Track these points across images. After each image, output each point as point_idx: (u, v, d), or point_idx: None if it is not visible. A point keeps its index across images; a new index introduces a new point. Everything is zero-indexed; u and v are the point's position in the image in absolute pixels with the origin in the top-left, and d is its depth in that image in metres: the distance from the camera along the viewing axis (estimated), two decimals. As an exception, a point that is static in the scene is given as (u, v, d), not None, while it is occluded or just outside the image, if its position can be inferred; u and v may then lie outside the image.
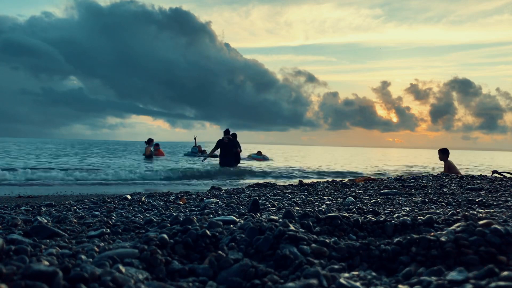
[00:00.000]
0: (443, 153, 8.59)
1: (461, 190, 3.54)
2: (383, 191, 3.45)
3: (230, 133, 12.22)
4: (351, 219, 1.57)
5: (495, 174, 6.86)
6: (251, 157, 19.73)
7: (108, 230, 1.70)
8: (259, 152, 20.54)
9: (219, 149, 12.47)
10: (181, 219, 1.69)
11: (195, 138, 20.48)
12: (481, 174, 5.50)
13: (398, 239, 1.29)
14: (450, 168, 8.44)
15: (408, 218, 1.58)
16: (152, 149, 18.33)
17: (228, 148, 12.12)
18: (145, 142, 18.58)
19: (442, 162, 8.71)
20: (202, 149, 21.30)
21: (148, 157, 18.35)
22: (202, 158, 15.85)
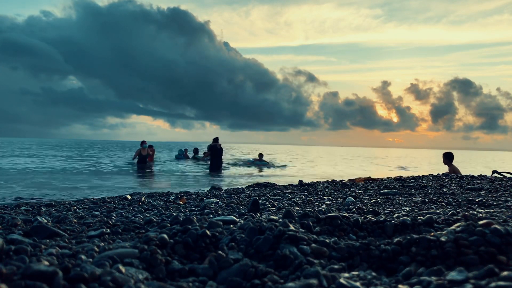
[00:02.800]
0: (447, 157, 8.42)
1: (461, 190, 3.54)
2: (383, 191, 3.45)
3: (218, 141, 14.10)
4: (351, 219, 1.57)
5: (495, 174, 6.86)
6: (252, 163, 17.42)
7: (108, 230, 1.70)
8: (260, 155, 17.90)
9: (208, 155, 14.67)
10: (181, 219, 1.69)
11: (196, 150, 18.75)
12: (481, 174, 5.50)
13: (398, 239, 1.29)
14: (455, 172, 8.32)
15: (408, 218, 1.58)
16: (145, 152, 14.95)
17: (220, 154, 14.01)
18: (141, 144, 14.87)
19: (446, 166, 8.59)
20: (187, 153, 19.51)
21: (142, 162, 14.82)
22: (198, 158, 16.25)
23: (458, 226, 1.32)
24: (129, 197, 3.53)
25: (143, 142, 14.82)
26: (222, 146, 14.25)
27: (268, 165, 17.41)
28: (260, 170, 15.84)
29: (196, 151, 19.07)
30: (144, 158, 14.75)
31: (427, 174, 5.78)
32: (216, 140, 14.04)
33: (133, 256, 1.13)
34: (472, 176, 5.04)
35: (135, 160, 14.90)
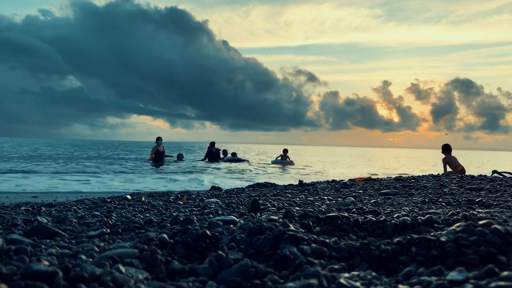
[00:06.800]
0: (443, 149, 8.96)
1: (461, 190, 3.54)
2: (383, 191, 3.45)
3: (214, 146, 17.20)
4: (351, 219, 1.57)
5: (495, 174, 6.86)
6: (278, 162, 16.80)
7: (108, 230, 1.70)
8: (285, 151, 17.08)
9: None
10: (181, 219, 1.69)
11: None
12: (481, 174, 5.50)
13: (398, 239, 1.29)
14: (448, 162, 8.67)
15: (408, 218, 1.58)
16: (158, 149, 14.68)
17: (216, 156, 16.91)
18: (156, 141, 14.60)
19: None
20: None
21: (157, 160, 14.52)
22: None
23: (458, 226, 1.32)
24: (129, 197, 3.53)
25: (159, 138, 14.54)
26: (217, 148, 17.20)
27: (293, 163, 16.89)
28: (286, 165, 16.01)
29: (225, 152, 18.37)
30: (161, 154, 14.65)
31: (427, 174, 5.78)
32: (212, 144, 17.08)
33: (133, 256, 1.13)
34: (472, 176, 5.04)
35: (146, 158, 14.87)
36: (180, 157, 16.55)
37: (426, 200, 2.72)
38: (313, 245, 1.26)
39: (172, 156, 16.36)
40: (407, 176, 5.59)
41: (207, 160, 17.08)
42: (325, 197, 3.03)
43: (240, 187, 4.98)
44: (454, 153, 9.14)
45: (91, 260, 1.11)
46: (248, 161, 18.43)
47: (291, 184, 4.98)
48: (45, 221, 1.89)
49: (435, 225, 1.54)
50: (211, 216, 1.97)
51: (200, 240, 1.30)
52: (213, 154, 16.87)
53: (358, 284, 0.97)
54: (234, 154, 18.35)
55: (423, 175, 5.47)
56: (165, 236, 1.28)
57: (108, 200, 3.39)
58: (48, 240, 1.48)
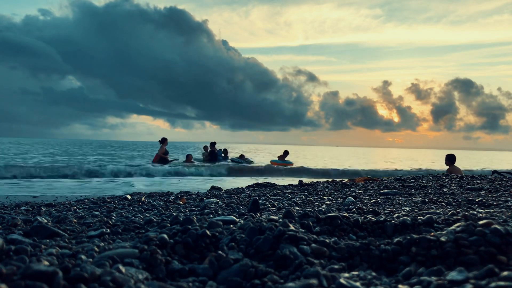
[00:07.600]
0: (447, 159, 8.62)
1: (461, 190, 3.54)
2: (383, 191, 3.45)
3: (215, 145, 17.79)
4: (351, 219, 1.57)
5: (495, 174, 6.86)
6: (277, 162, 16.86)
7: (108, 230, 1.70)
8: (286, 153, 17.25)
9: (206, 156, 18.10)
10: (181, 219, 1.69)
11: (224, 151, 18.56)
12: (481, 174, 5.50)
13: (398, 239, 1.29)
14: (452, 173, 8.44)
15: (408, 218, 1.58)
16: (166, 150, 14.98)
17: (217, 156, 17.48)
18: (159, 141, 14.57)
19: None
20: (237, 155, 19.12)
21: (163, 161, 14.66)
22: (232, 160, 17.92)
23: (458, 226, 1.32)
24: (129, 197, 3.53)
25: (165, 139, 14.59)
26: (219, 149, 17.96)
27: (291, 164, 16.95)
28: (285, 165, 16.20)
29: (225, 151, 18.43)
30: (166, 155, 15.06)
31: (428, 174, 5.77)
32: (213, 145, 17.63)
33: (133, 256, 1.13)
34: (472, 176, 5.04)
35: (170, 160, 15.32)
36: (189, 158, 16.33)
37: (426, 200, 2.72)
38: (313, 245, 1.26)
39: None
40: (407, 176, 5.58)
41: (207, 160, 17.45)
42: (325, 197, 3.03)
43: (240, 187, 4.98)
44: (454, 153, 8.96)
45: (91, 260, 1.11)
46: (252, 160, 19.16)
47: (291, 184, 4.98)
48: (45, 221, 1.89)
49: (435, 225, 1.54)
50: (211, 216, 1.97)
51: (200, 240, 1.30)
52: (214, 154, 17.36)
53: (358, 284, 0.97)
54: (242, 156, 18.36)
55: (423, 175, 5.47)
56: (165, 236, 1.28)
57: (108, 200, 3.39)
58: (48, 240, 1.48)
